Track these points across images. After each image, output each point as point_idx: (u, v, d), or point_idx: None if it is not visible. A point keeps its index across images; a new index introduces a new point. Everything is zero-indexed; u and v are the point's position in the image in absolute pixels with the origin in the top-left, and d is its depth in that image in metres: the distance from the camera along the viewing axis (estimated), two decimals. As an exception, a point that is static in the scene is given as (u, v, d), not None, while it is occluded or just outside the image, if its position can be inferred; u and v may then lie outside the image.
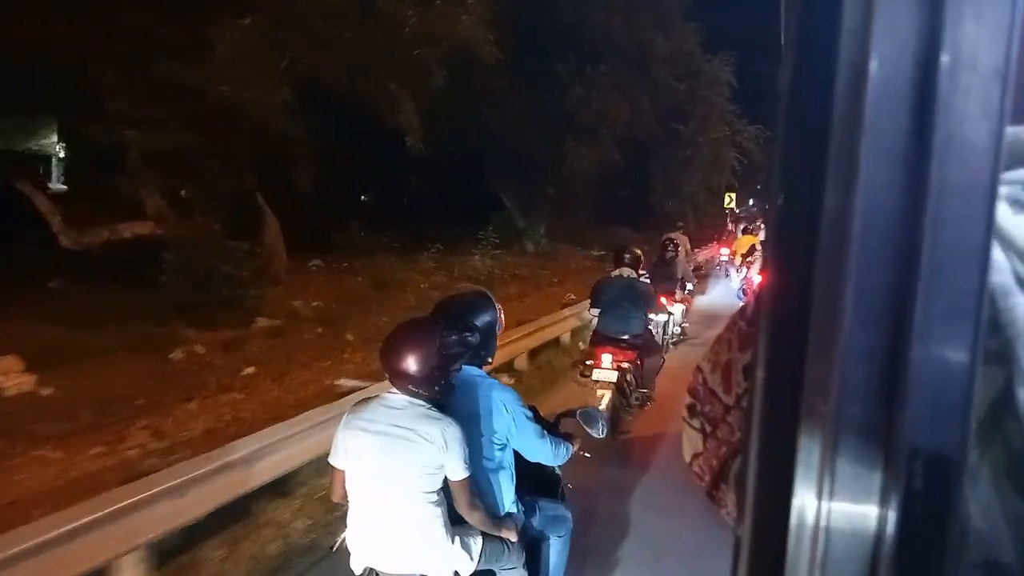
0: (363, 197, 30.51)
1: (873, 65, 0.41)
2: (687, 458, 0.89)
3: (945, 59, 0.40)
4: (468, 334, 2.97)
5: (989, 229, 0.42)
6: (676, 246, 10.61)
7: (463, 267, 18.64)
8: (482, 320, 3.09)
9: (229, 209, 13.27)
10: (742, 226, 26.14)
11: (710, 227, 36.99)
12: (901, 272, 0.41)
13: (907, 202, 0.41)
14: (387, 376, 2.74)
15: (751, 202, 72.09)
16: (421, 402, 2.68)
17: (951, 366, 0.41)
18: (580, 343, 10.28)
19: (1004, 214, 0.54)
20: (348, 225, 21.57)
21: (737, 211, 43.58)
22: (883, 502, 0.41)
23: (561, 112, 24.73)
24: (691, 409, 0.87)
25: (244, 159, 13.51)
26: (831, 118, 0.42)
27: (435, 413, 2.66)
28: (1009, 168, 0.53)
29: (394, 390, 2.73)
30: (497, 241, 23.02)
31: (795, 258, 0.44)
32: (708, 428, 0.82)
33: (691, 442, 0.86)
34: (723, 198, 36.01)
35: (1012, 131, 0.46)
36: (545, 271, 21.42)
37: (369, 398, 2.82)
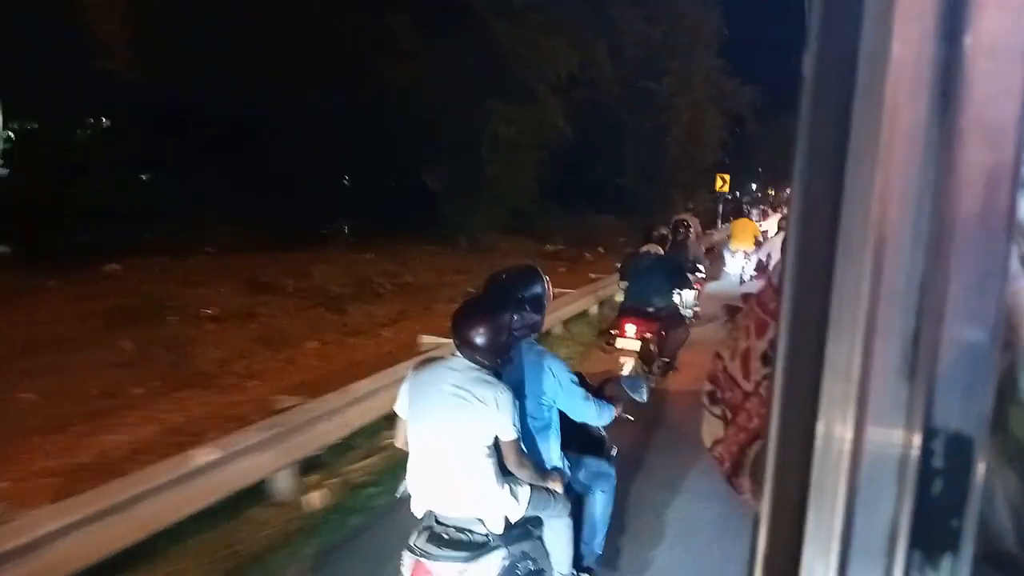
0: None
1: (896, 47, 0.49)
2: (707, 443, 1.04)
3: (968, 41, 0.48)
4: (536, 315, 4.01)
5: (1012, 210, 0.50)
6: (688, 228, 12.04)
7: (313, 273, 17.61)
8: (532, 293, 4.10)
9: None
10: (755, 211, 26.72)
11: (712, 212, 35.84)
12: (923, 254, 0.50)
13: (930, 184, 0.49)
14: (455, 341, 3.61)
15: (753, 186, 72.81)
16: (480, 369, 3.56)
17: (973, 346, 0.50)
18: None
19: None
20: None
21: (734, 196, 44.10)
22: (902, 483, 0.50)
23: (480, 61, 22.34)
24: (711, 396, 1.02)
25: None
26: (854, 101, 0.50)
27: (491, 378, 3.53)
28: None
29: (458, 353, 3.61)
30: (420, 235, 22.52)
31: (817, 241, 0.52)
32: (728, 415, 0.97)
33: (711, 428, 1.02)
34: (713, 179, 34.11)
35: None
36: (461, 277, 19.53)
37: (435, 357, 3.79)
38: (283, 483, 6.21)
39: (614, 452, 4.75)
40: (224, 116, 22.22)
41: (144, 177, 26.31)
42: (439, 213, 25.59)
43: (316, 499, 6.26)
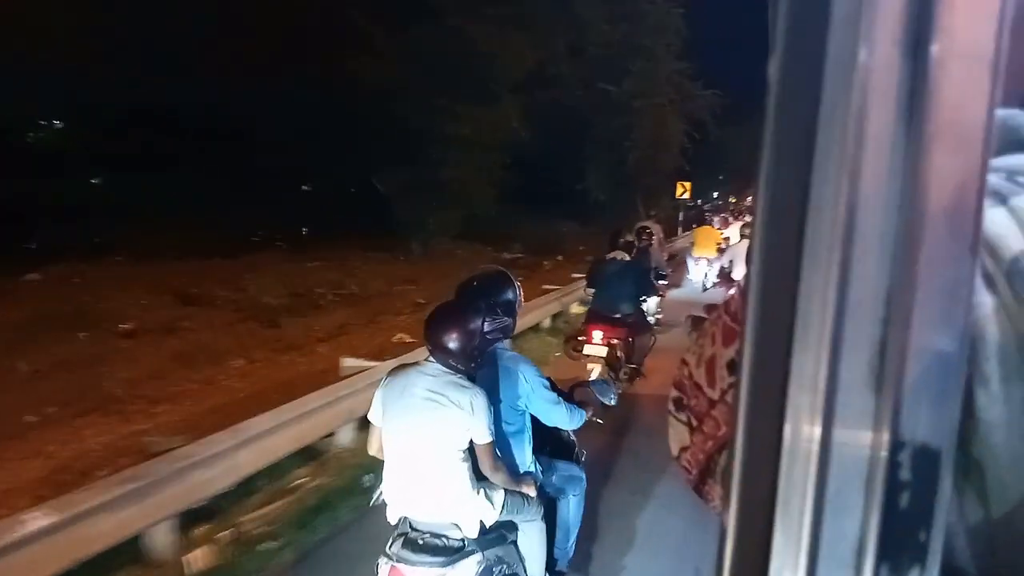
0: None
1: (863, 53, 0.49)
2: (674, 451, 1.07)
3: (935, 47, 0.49)
4: (507, 319, 4.26)
5: (979, 218, 0.51)
6: (651, 235, 12.72)
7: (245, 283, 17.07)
8: (504, 298, 4.32)
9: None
10: (717, 218, 27.80)
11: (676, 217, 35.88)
12: (890, 261, 0.50)
13: (897, 191, 0.50)
14: (428, 347, 3.79)
15: (715, 194, 73.56)
16: (454, 373, 3.73)
17: (941, 356, 0.51)
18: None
19: None
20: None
21: (695, 204, 44.49)
22: (869, 494, 0.51)
23: (435, 56, 21.93)
24: (677, 403, 1.05)
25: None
26: (820, 107, 0.50)
27: (465, 382, 3.70)
28: (993, 154, 0.63)
29: (431, 359, 3.78)
30: (371, 241, 22.35)
31: (781, 248, 0.52)
32: (694, 422, 1.00)
33: (678, 435, 1.04)
34: (674, 186, 34.17)
35: (999, 115, 0.54)
36: (411, 287, 19.23)
37: (407, 364, 3.90)
38: (161, 539, 5.48)
39: (583, 456, 4.99)
40: (177, 117, 22.16)
41: (95, 181, 26.00)
42: (392, 218, 25.15)
43: (200, 558, 5.60)
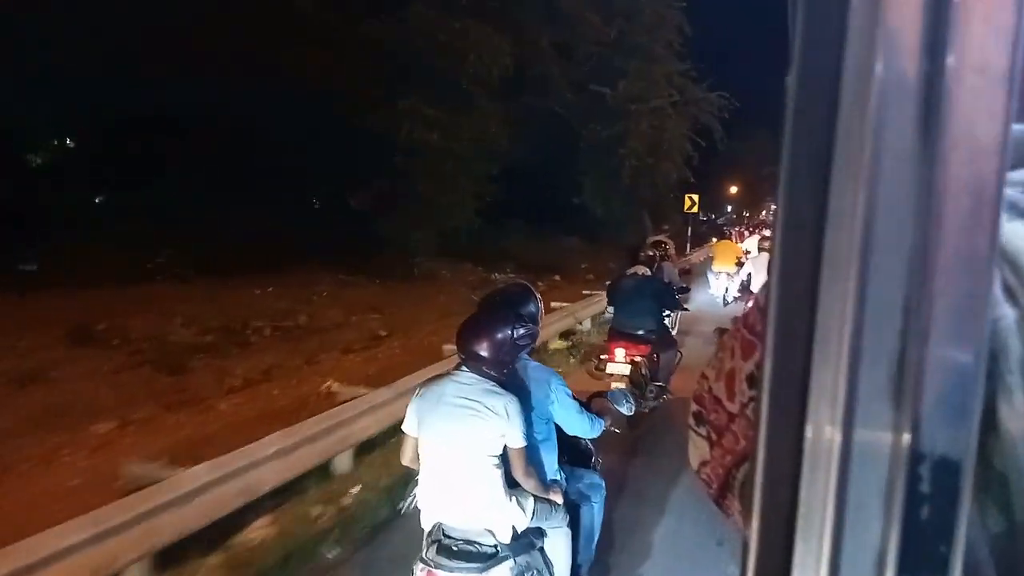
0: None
1: (880, 65, 0.53)
2: (694, 465, 1.13)
3: (951, 60, 0.52)
4: (534, 327, 4.54)
5: (995, 231, 0.54)
6: (666, 249, 12.97)
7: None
8: (527, 311, 4.69)
9: None
10: (734, 232, 28.15)
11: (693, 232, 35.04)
12: (908, 274, 0.54)
13: (914, 204, 0.53)
14: (460, 355, 4.15)
15: (729, 208, 74.29)
16: (488, 380, 4.05)
17: (959, 369, 0.54)
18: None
19: None
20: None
21: (708, 218, 44.46)
22: (889, 508, 0.55)
23: (394, 50, 21.24)
24: (697, 416, 1.11)
25: None
26: (837, 118, 0.54)
27: (499, 389, 4.01)
28: (1010, 169, 0.65)
29: (464, 368, 4.12)
30: (343, 263, 21.21)
31: (800, 261, 0.56)
32: (714, 436, 1.06)
33: (698, 449, 1.11)
34: (682, 199, 33.47)
35: (1016, 129, 0.56)
36: (374, 315, 18.09)
37: (441, 374, 4.23)
38: None
39: (600, 464, 5.43)
40: (115, 120, 21.74)
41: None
42: (368, 237, 24.31)
43: None
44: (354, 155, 23.53)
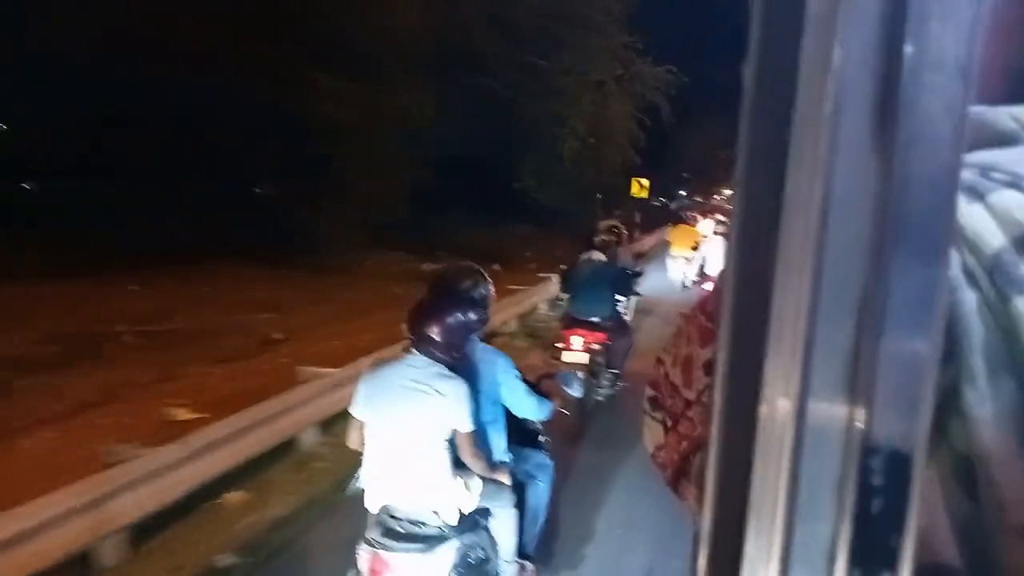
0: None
1: (837, 56, 0.55)
2: (649, 449, 1.19)
3: (909, 52, 0.55)
4: (483, 311, 4.88)
5: (951, 222, 0.57)
6: (619, 234, 13.40)
7: None
8: (478, 292, 5.03)
9: None
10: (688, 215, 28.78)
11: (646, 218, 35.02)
12: (864, 264, 0.57)
13: (870, 194, 0.56)
14: (411, 339, 4.47)
15: (683, 193, 74.89)
16: (438, 364, 4.39)
17: (913, 360, 0.58)
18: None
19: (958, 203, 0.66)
20: None
21: (661, 203, 44.64)
22: (841, 501, 0.58)
23: (293, 16, 20.20)
24: (653, 401, 1.17)
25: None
26: (794, 107, 0.57)
27: (449, 373, 4.38)
28: (968, 150, 0.69)
29: (415, 351, 4.45)
30: (260, 255, 20.56)
31: (757, 250, 0.59)
32: (669, 422, 1.11)
33: (653, 434, 1.17)
34: (630, 183, 33.71)
35: (974, 111, 0.59)
36: (270, 315, 16.99)
37: (389, 358, 4.51)
38: None
39: (548, 443, 5.86)
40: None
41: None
42: (283, 228, 23.53)
43: None
44: (267, 138, 22.63)
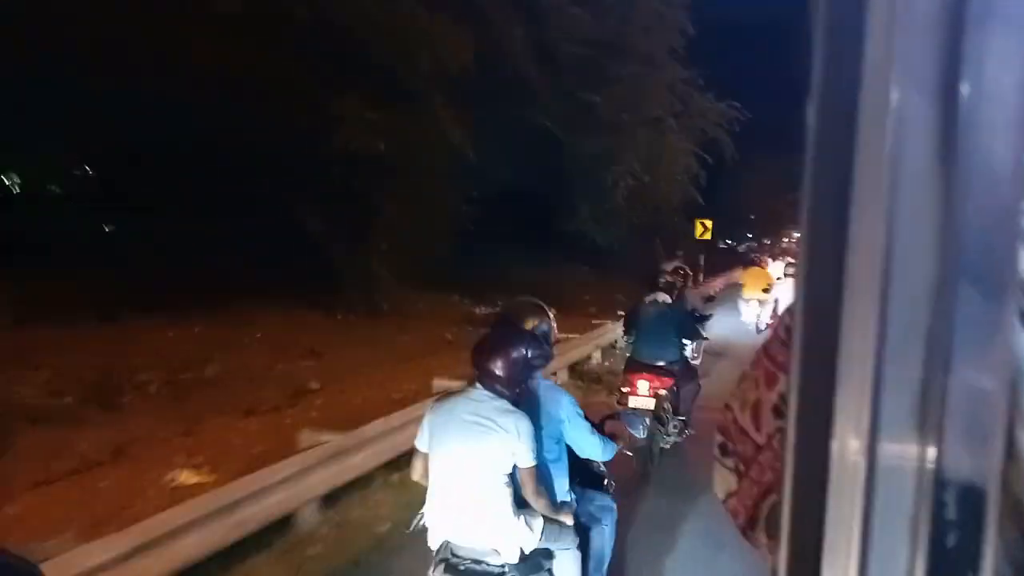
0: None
1: (895, 97, 0.58)
2: (720, 495, 1.31)
3: (965, 91, 0.57)
4: (547, 347, 4.80)
5: (1015, 257, 0.59)
6: (685, 275, 12.87)
7: None
8: (541, 329, 4.97)
9: None
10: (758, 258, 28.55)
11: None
12: (929, 300, 0.59)
13: (933, 232, 0.58)
14: (475, 372, 4.41)
15: (749, 235, 75.07)
16: (500, 398, 4.30)
17: (982, 395, 0.59)
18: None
19: None
20: None
21: (728, 246, 44.72)
22: (915, 537, 0.60)
23: (326, 41, 18.44)
24: (723, 448, 1.30)
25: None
26: (855, 149, 0.59)
27: (512, 408, 4.27)
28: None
29: (478, 385, 4.38)
30: (304, 297, 19.54)
31: (824, 293, 0.61)
32: (741, 467, 1.24)
33: (724, 481, 1.29)
34: (692, 224, 32.98)
35: None
36: (310, 363, 15.73)
37: (454, 391, 4.52)
38: None
39: (613, 486, 5.66)
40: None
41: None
42: (330, 265, 22.62)
43: None
44: (313, 174, 21.27)
